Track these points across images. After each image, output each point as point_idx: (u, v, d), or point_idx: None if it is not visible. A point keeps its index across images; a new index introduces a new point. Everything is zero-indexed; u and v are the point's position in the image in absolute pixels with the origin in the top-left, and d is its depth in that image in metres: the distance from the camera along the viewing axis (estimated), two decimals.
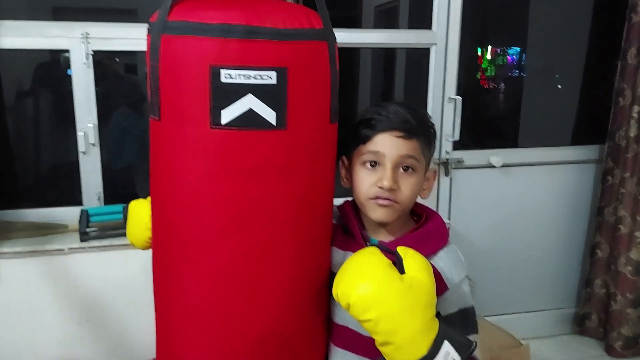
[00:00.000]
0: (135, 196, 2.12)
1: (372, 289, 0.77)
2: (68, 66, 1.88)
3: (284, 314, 0.89)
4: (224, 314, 0.87)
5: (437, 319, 0.79)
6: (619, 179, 2.35)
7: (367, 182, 0.92)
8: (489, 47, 2.64)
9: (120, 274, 1.83)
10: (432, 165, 1.00)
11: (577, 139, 2.62)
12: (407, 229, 0.98)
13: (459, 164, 2.32)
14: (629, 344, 2.40)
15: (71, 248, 1.80)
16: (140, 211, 1.14)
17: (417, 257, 0.82)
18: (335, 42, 0.86)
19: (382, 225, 0.96)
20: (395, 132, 0.91)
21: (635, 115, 2.26)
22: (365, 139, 0.93)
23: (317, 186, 0.88)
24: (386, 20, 2.67)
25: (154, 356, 1.84)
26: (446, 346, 0.76)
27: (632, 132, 2.27)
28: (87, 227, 1.83)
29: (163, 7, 0.81)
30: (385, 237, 0.97)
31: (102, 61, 2.07)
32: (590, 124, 2.56)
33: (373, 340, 0.84)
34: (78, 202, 1.97)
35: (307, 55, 0.81)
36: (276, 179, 0.82)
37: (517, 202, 2.45)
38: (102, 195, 1.98)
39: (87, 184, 1.96)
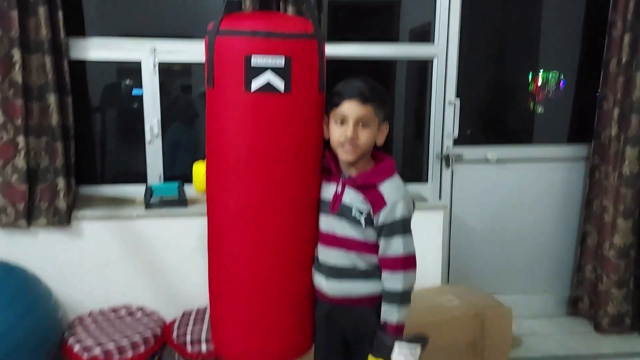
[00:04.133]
0: (188, 177, 2.58)
1: None
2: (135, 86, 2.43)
3: (290, 225, 1.34)
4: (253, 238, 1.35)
5: None
6: (605, 173, 2.66)
7: (337, 134, 1.36)
8: (540, 72, 3.02)
9: (176, 237, 2.29)
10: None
11: (569, 139, 2.96)
12: (368, 168, 1.41)
13: (459, 159, 2.69)
14: (615, 321, 2.65)
15: (138, 215, 2.27)
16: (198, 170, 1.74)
17: None
18: (324, 41, 1.33)
19: (351, 164, 1.39)
20: (355, 99, 1.33)
21: (615, 117, 2.58)
22: (336, 105, 1.36)
23: (311, 133, 1.35)
24: (419, 42, 3.06)
25: (204, 304, 2.29)
26: None
27: (613, 132, 2.59)
28: (151, 199, 2.32)
29: (216, 20, 1.30)
30: (354, 173, 1.40)
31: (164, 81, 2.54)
32: (582, 125, 2.89)
33: (346, 238, 1.32)
34: (143, 180, 2.47)
35: (303, 48, 1.29)
36: (284, 126, 1.29)
37: (513, 194, 2.78)
38: (162, 175, 2.48)
39: (151, 166, 2.47)
